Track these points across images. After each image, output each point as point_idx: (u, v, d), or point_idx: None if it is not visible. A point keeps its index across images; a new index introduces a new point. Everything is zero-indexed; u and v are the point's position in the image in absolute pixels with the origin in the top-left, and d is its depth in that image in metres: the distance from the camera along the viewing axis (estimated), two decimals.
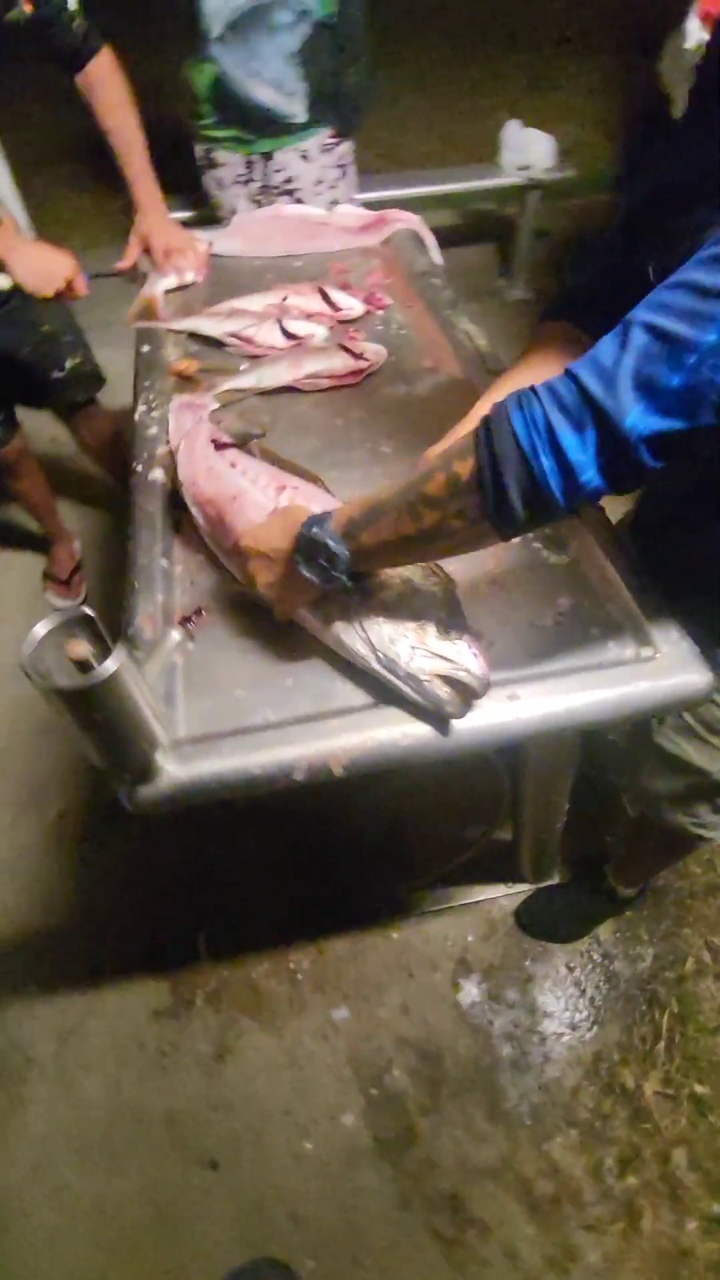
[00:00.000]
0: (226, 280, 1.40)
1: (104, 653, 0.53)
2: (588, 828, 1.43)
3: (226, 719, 0.72)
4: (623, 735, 1.06)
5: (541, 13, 3.79)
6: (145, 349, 1.20)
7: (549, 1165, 1.18)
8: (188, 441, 0.89)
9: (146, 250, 1.39)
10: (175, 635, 0.78)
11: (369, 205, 1.71)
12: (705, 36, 1.30)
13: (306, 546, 0.64)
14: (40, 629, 0.52)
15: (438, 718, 0.68)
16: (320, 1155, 1.20)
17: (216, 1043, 1.31)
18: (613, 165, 3.46)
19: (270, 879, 1.48)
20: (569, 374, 0.50)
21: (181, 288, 1.37)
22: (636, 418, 0.47)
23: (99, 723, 0.55)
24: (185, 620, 0.81)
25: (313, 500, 0.78)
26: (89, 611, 0.53)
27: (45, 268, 1.29)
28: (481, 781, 1.57)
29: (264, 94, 1.59)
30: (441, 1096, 1.25)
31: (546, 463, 0.49)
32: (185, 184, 1.91)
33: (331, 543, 0.61)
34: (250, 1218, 1.16)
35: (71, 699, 0.52)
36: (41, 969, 1.41)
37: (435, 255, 1.46)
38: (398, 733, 0.68)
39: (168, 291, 1.35)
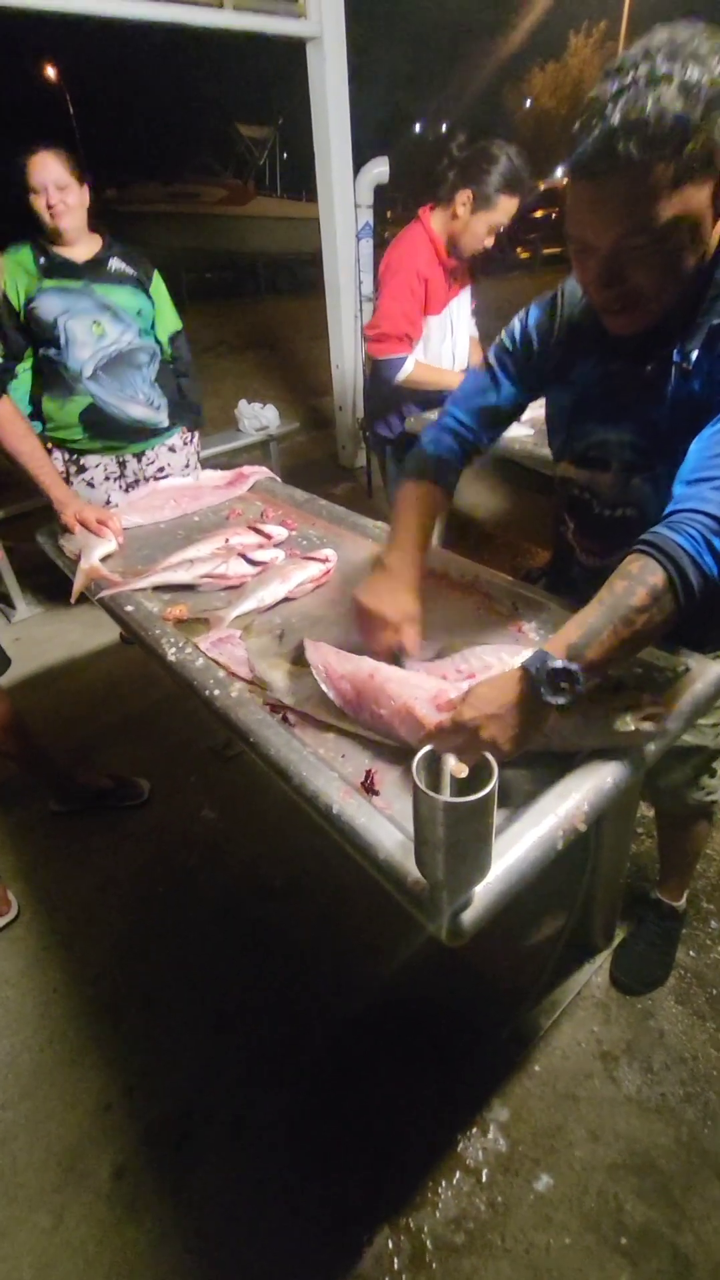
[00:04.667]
0: (145, 543, 1.57)
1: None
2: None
3: None
4: None
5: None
6: (129, 609, 1.29)
7: None
8: (349, 669, 0.99)
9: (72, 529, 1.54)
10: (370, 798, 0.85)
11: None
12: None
13: (549, 678, 0.76)
14: (422, 753, 0.64)
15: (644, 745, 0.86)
16: None
17: None
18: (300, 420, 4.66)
19: (404, 1099, 1.35)
20: (698, 511, 0.78)
21: (108, 556, 1.50)
22: None
23: (472, 834, 0.63)
24: (366, 783, 0.88)
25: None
26: (433, 748, 0.64)
27: None
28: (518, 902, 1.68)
29: (138, 411, 2.17)
30: (677, 1197, 1.21)
31: (710, 560, 0.76)
32: None
33: (570, 666, 0.76)
34: None
35: (460, 810, 0.60)
36: None
37: (296, 491, 1.83)
38: (602, 776, 0.84)
39: (103, 559, 1.46)
